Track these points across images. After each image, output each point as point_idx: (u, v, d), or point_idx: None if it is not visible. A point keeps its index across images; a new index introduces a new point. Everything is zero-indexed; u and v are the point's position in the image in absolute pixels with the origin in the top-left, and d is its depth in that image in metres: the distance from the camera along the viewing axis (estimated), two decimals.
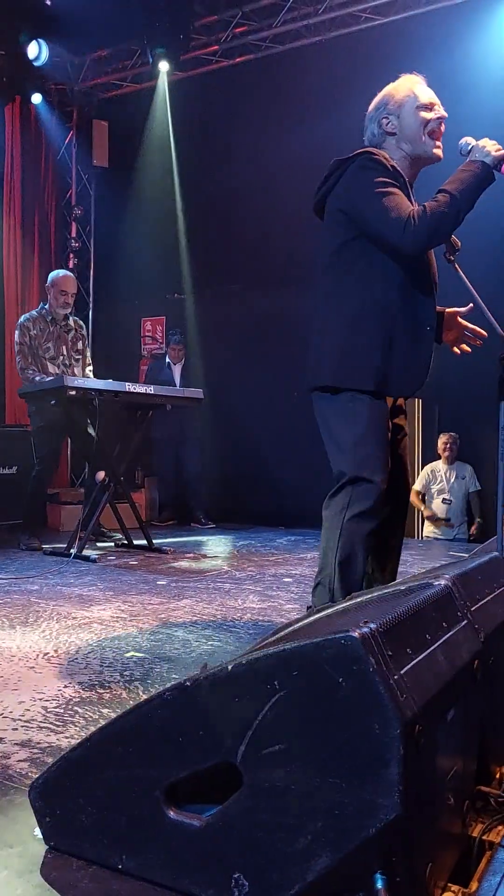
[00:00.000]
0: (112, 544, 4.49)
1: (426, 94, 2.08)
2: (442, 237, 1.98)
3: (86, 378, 4.31)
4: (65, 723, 1.59)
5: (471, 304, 2.18)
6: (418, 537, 5.46)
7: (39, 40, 5.73)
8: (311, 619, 1.22)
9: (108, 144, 6.75)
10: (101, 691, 1.80)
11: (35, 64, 5.79)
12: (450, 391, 4.95)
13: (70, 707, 1.69)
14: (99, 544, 4.45)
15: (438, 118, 2.06)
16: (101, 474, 4.31)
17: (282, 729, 0.88)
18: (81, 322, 4.64)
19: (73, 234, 6.86)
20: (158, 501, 6.06)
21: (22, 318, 4.43)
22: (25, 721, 1.60)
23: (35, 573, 3.47)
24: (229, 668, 0.93)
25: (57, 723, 1.59)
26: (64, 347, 4.40)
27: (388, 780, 0.81)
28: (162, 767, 0.98)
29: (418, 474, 5.40)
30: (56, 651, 2.15)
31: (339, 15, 5.54)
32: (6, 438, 5.06)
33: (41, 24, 5.59)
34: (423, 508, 5.40)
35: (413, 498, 5.23)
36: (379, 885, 0.84)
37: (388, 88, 2.12)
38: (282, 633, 1.15)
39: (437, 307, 2.11)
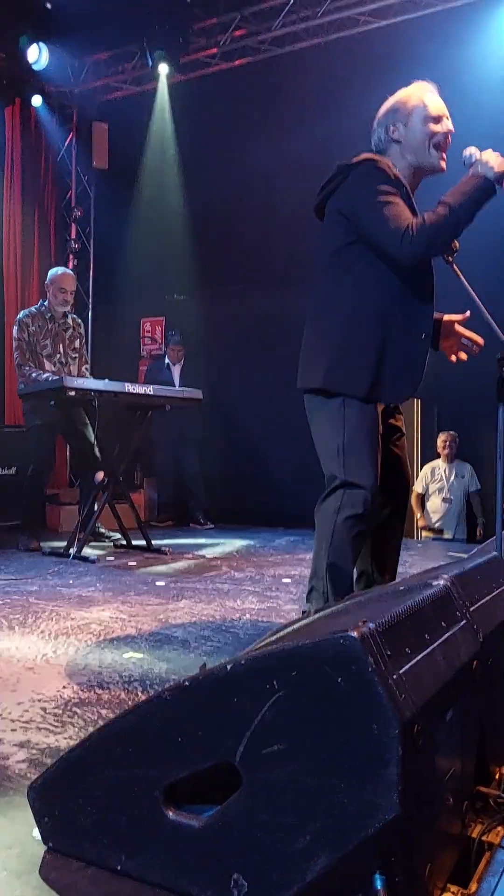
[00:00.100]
0: (111, 545, 4.49)
1: (436, 106, 2.07)
2: (439, 249, 1.98)
3: (84, 378, 4.31)
4: (63, 723, 1.59)
5: (468, 312, 2.19)
6: (417, 537, 5.46)
7: (40, 44, 5.74)
8: (310, 619, 1.22)
9: (108, 146, 6.75)
10: (100, 692, 1.80)
11: (35, 68, 5.80)
12: (449, 391, 4.95)
13: (69, 708, 1.69)
14: (94, 543, 4.45)
15: (445, 132, 2.06)
16: (100, 475, 4.31)
17: (281, 729, 0.88)
18: (80, 321, 4.64)
19: (73, 236, 6.86)
20: (157, 502, 6.06)
21: (21, 314, 4.41)
22: (24, 722, 1.60)
23: (34, 574, 3.47)
24: (228, 668, 0.93)
25: (56, 723, 1.59)
26: (61, 345, 4.39)
27: (387, 780, 0.81)
28: (161, 768, 0.98)
29: (418, 474, 5.41)
30: (55, 652, 2.15)
31: (338, 18, 5.55)
32: (6, 439, 5.06)
33: (41, 26, 5.60)
34: (419, 517, 5.41)
35: (413, 501, 5.24)
36: (378, 885, 0.84)
37: (400, 94, 2.11)
38: (280, 634, 1.15)
39: (436, 314, 2.12)
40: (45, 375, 4.18)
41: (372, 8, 5.39)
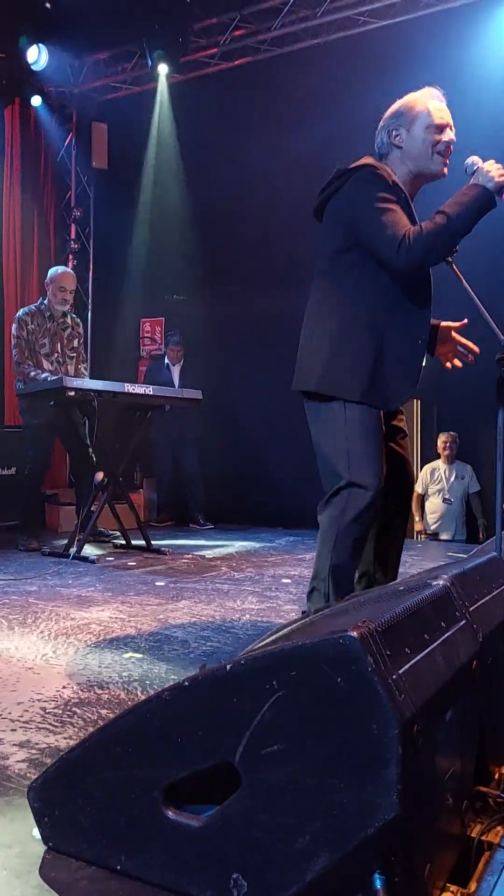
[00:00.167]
0: (111, 544, 4.49)
1: (440, 115, 2.05)
2: (436, 258, 1.98)
3: (83, 378, 4.30)
4: (63, 723, 1.59)
5: (465, 320, 2.20)
6: (417, 538, 5.46)
7: (39, 45, 5.74)
8: (310, 619, 1.22)
9: (108, 146, 6.75)
10: (100, 692, 1.80)
11: (34, 68, 5.80)
12: (449, 391, 4.95)
13: (68, 708, 1.69)
14: (94, 543, 4.45)
15: (447, 142, 2.05)
16: (99, 475, 4.30)
17: (280, 729, 0.88)
18: (79, 320, 4.63)
19: (73, 236, 6.86)
20: (157, 502, 6.06)
21: (20, 312, 4.40)
22: (24, 722, 1.60)
23: (33, 574, 3.47)
24: (228, 668, 0.93)
25: (55, 723, 1.59)
26: (59, 345, 4.39)
27: (386, 780, 0.81)
28: (161, 768, 0.98)
29: (418, 475, 5.41)
30: (54, 652, 2.15)
31: (337, 18, 5.55)
32: (5, 439, 5.05)
33: (40, 26, 5.59)
34: (417, 519, 5.41)
35: (414, 502, 5.24)
36: (378, 885, 0.84)
37: (406, 100, 2.10)
38: (280, 634, 1.15)
39: (433, 320, 2.12)
40: (44, 375, 4.18)
41: (371, 8, 5.39)
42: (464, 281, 2.08)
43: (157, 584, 3.31)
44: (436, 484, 5.36)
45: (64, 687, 1.83)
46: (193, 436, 5.78)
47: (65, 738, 1.51)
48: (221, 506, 5.80)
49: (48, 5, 5.43)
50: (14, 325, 4.33)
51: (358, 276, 2.02)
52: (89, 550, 4.05)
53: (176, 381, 5.71)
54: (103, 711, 1.66)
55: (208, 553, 4.38)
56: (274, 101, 5.84)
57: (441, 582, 1.19)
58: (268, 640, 1.10)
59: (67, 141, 6.79)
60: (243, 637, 2.38)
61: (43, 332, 4.33)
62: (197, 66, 6.19)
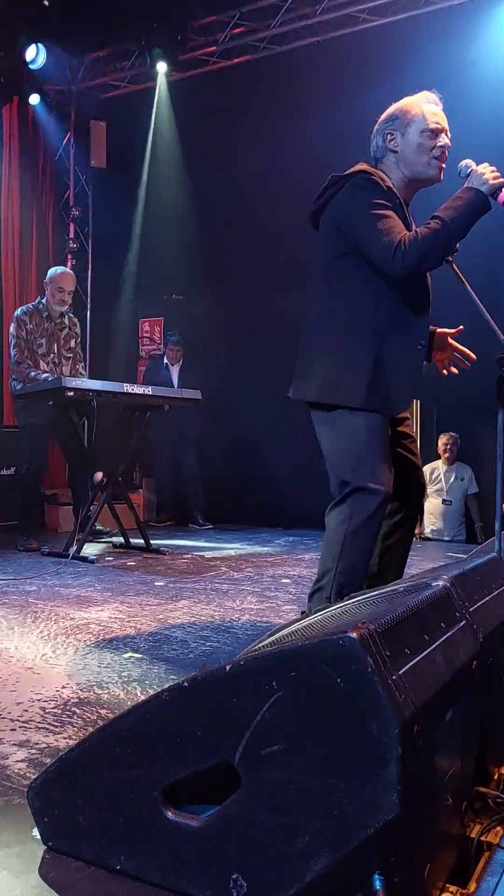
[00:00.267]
0: (110, 543, 4.48)
1: (435, 120, 2.04)
2: (432, 263, 1.98)
3: (82, 378, 4.30)
4: (63, 723, 1.59)
5: (461, 326, 2.21)
6: (416, 538, 5.46)
7: (38, 43, 5.73)
8: (310, 619, 1.22)
9: (106, 145, 6.74)
10: (99, 692, 1.80)
11: (32, 67, 5.79)
12: (449, 391, 4.94)
13: (68, 708, 1.69)
14: (93, 542, 4.44)
15: (441, 147, 2.04)
16: (98, 475, 4.30)
17: (280, 729, 0.88)
18: (76, 320, 4.62)
19: (71, 235, 6.85)
20: (156, 502, 6.06)
21: (18, 311, 4.38)
22: (23, 722, 1.60)
23: (33, 574, 3.46)
24: (227, 668, 0.93)
25: (55, 723, 1.59)
26: (55, 345, 4.38)
27: (386, 780, 0.81)
28: (160, 768, 0.98)
29: None
30: (54, 652, 2.15)
31: (337, 16, 5.54)
32: (5, 439, 5.04)
33: (39, 24, 5.58)
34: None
35: None
36: (377, 885, 0.84)
37: (402, 103, 2.09)
38: (280, 634, 1.15)
39: (430, 326, 2.12)
40: (43, 375, 4.17)
41: (371, 6, 5.39)
42: (464, 281, 2.08)
43: (156, 584, 3.31)
44: (435, 484, 5.36)
45: (63, 687, 1.83)
46: (193, 436, 5.78)
47: (64, 738, 1.51)
48: (221, 506, 5.80)
49: (46, 3, 5.42)
50: (13, 325, 4.32)
51: (355, 282, 2.02)
52: (89, 550, 4.05)
53: (175, 382, 5.70)
54: (103, 711, 1.66)
55: (208, 553, 4.37)
56: (273, 100, 5.83)
57: (441, 582, 1.19)
58: (267, 641, 1.10)
59: (66, 139, 6.78)
60: (242, 637, 2.38)
61: (40, 331, 4.33)
62: (196, 65, 6.19)
